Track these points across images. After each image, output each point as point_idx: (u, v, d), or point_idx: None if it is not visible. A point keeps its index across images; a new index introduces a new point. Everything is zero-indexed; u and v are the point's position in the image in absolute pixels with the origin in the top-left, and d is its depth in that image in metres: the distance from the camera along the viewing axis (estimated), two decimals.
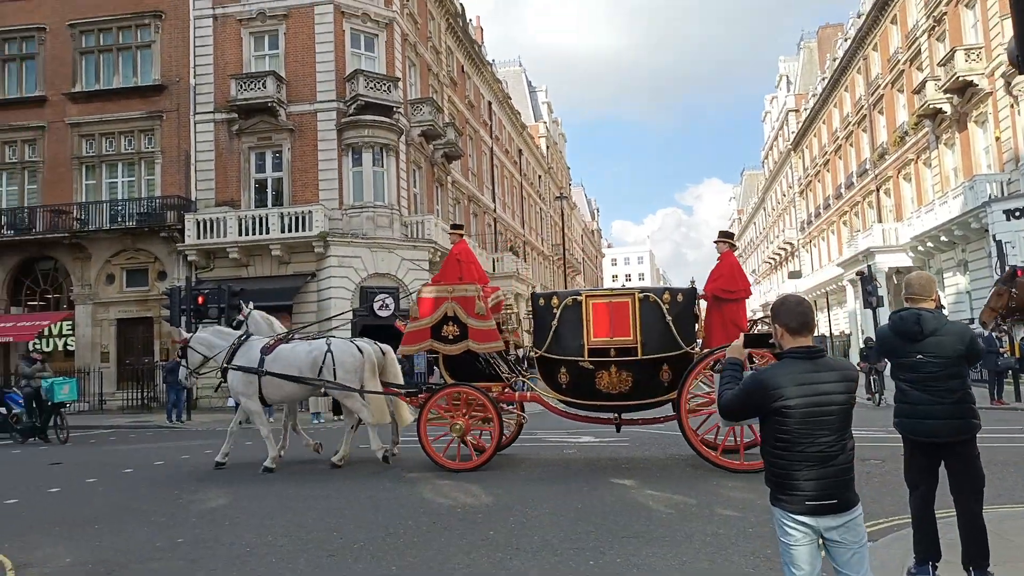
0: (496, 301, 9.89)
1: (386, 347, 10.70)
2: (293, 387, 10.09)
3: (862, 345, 22.28)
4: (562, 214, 41.13)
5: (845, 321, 36.34)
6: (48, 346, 23.77)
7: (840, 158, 40.19)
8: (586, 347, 8.84)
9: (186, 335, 11.39)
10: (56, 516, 7.36)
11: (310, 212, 21.72)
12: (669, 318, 8.73)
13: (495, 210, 37.94)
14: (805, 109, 48.39)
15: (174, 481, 9.25)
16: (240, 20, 23.52)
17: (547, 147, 57.86)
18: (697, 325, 9.11)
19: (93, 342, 23.24)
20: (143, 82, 23.74)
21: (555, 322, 9.04)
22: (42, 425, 14.73)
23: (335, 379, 9.88)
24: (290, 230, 21.76)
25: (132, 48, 24.17)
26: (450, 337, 9.46)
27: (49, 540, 6.39)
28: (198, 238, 22.10)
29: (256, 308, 11.34)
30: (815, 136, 46.16)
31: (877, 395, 17.23)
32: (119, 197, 23.53)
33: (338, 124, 22.78)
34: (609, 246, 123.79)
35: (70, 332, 23.60)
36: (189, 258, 22.31)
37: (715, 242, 9.96)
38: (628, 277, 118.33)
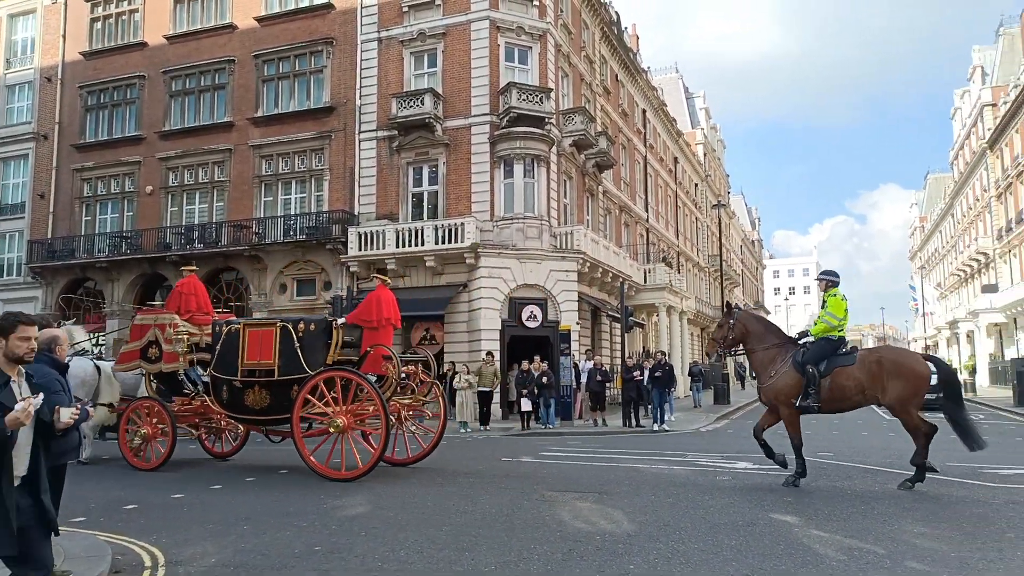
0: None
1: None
2: None
3: None
4: (719, 223, 39.22)
5: None
6: None
7: None
8: (240, 368, 10.56)
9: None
10: (212, 513, 7.74)
11: (462, 224, 22.13)
12: (298, 345, 10.22)
13: (648, 220, 36.94)
14: (1004, 103, 42.98)
15: (322, 485, 9.50)
16: (402, 41, 24.58)
17: (704, 154, 55.76)
18: (333, 352, 10.38)
19: None
20: (315, 105, 25.45)
21: (219, 346, 10.85)
22: None
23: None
24: (443, 242, 22.29)
25: (306, 74, 26.00)
26: (152, 358, 11.44)
27: (202, 536, 6.67)
28: (360, 250, 23.22)
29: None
30: (1016, 132, 40.81)
31: None
32: (291, 212, 25.34)
33: (491, 137, 23.11)
34: (771, 257, 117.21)
35: None
36: (351, 269, 23.50)
37: (372, 277, 12.00)
38: (791, 290, 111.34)
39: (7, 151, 29.67)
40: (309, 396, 9.93)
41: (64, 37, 29.40)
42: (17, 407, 3.34)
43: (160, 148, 27.26)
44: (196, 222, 26.51)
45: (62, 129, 28.97)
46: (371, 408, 9.86)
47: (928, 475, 8.92)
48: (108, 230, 27.83)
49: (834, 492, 8.76)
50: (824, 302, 9.74)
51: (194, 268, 13.38)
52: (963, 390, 8.95)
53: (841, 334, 9.38)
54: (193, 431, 12.41)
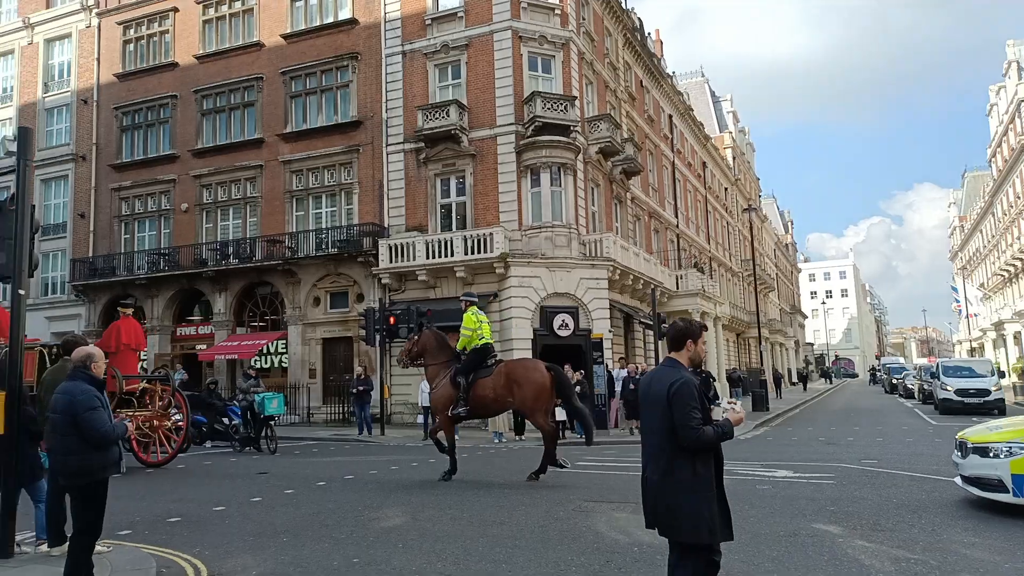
0: None
1: None
2: None
3: None
4: (751, 227, 38.71)
5: None
6: (267, 363, 26.33)
7: None
8: None
9: None
10: (253, 526, 7.81)
11: (491, 234, 22.16)
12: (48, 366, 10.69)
13: (678, 225, 36.65)
14: None
15: (359, 496, 9.55)
16: (426, 54, 24.78)
17: (733, 158, 55.22)
18: None
19: (302, 359, 25.39)
20: (342, 119, 25.75)
21: None
22: (255, 436, 16.15)
23: None
24: (472, 252, 22.34)
25: (333, 88, 26.34)
26: None
27: (242, 549, 6.74)
28: (390, 262, 23.38)
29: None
30: None
31: None
32: (323, 226, 25.63)
33: (517, 146, 23.14)
34: (806, 260, 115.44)
35: (284, 350, 25.98)
36: (383, 281, 23.68)
37: (118, 311, 14.01)
38: (828, 294, 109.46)
39: (48, 172, 30.49)
40: None
41: (98, 60, 30.19)
42: (737, 407, 3.82)
43: (194, 166, 27.81)
44: (231, 238, 26.93)
45: (99, 150, 29.72)
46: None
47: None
48: (147, 247, 28.43)
49: (879, 501, 8.54)
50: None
51: None
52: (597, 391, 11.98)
53: (484, 342, 11.02)
54: None
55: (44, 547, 6.48)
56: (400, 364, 12.85)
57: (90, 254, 29.02)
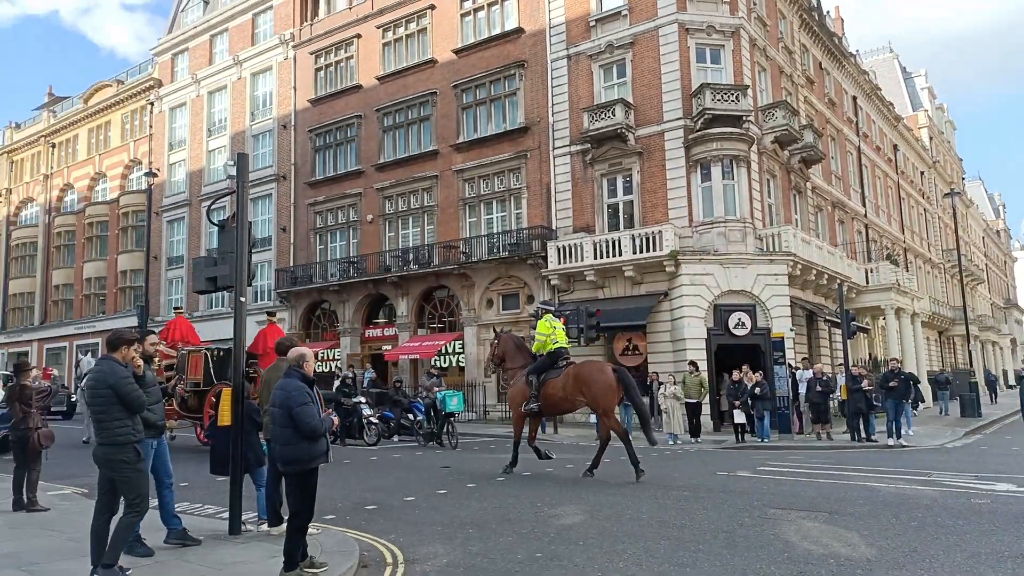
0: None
1: None
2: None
3: None
4: (954, 214, 34.83)
5: None
6: (445, 362, 27.65)
7: None
8: (186, 380, 14.81)
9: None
10: (441, 516, 8.26)
11: (660, 232, 21.74)
12: (211, 366, 14.84)
13: (866, 215, 33.81)
14: None
15: (538, 493, 9.77)
16: (590, 56, 24.83)
17: (930, 138, 50.02)
18: None
19: (478, 359, 26.36)
20: (511, 126, 26.46)
21: (177, 366, 15.01)
22: (437, 431, 17.03)
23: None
24: (641, 251, 22.03)
25: (501, 97, 27.16)
26: None
27: (432, 538, 7.15)
28: (559, 263, 23.67)
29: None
30: None
31: None
32: (494, 231, 26.49)
33: (685, 141, 22.53)
34: (1022, 248, 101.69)
35: (461, 351, 27.16)
36: (552, 282, 24.02)
37: (265, 319, 15.84)
38: None
39: (255, 192, 34.11)
40: (213, 399, 13.22)
41: (295, 88, 33.32)
42: None
43: (376, 180, 29.86)
44: (411, 245, 28.60)
45: (297, 169, 32.79)
46: None
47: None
48: (338, 257, 30.94)
49: None
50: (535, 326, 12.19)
51: (181, 308, 19.48)
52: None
53: (555, 346, 11.69)
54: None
55: (264, 527, 7.28)
56: (487, 371, 13.73)
57: (291, 264, 32.10)
